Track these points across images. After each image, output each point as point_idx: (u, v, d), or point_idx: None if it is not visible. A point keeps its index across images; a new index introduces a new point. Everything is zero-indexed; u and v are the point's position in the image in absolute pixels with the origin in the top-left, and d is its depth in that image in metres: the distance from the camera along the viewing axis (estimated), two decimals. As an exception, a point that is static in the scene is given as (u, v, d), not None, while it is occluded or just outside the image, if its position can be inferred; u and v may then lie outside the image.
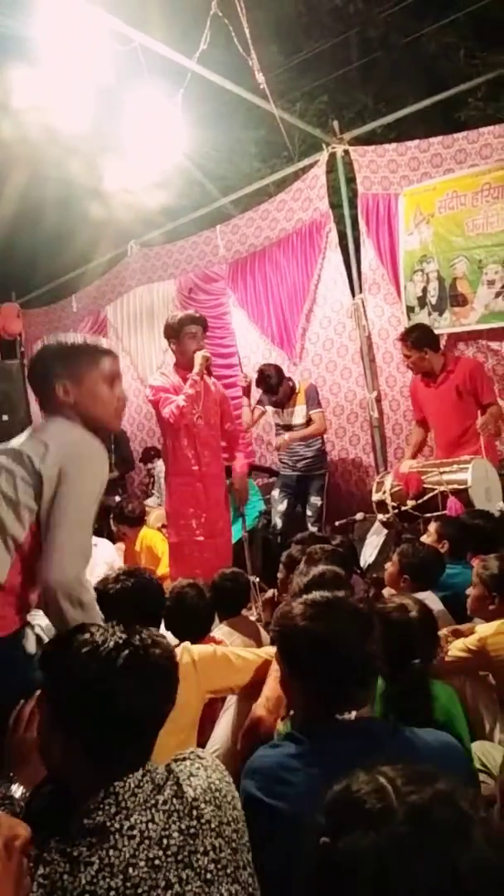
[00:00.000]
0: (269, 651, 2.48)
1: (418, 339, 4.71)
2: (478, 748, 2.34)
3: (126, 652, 1.34)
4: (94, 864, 1.16)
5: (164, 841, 1.21)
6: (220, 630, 3.12)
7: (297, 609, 1.65)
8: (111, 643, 1.35)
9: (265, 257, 6.58)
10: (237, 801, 1.36)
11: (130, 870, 1.17)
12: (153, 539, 5.22)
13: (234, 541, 4.97)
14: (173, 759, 1.40)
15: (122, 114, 4.89)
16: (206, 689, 2.27)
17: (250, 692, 2.29)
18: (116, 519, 5.54)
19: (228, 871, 1.25)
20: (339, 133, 5.89)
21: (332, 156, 5.88)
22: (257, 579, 4.64)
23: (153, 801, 1.25)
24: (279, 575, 3.65)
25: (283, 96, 6.97)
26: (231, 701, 2.49)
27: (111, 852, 1.18)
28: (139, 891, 1.16)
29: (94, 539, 5.01)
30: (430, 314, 5.38)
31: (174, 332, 4.38)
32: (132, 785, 1.26)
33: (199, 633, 2.84)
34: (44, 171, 6.55)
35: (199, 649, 2.36)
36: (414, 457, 5.00)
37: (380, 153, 5.61)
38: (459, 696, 2.46)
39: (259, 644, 3.18)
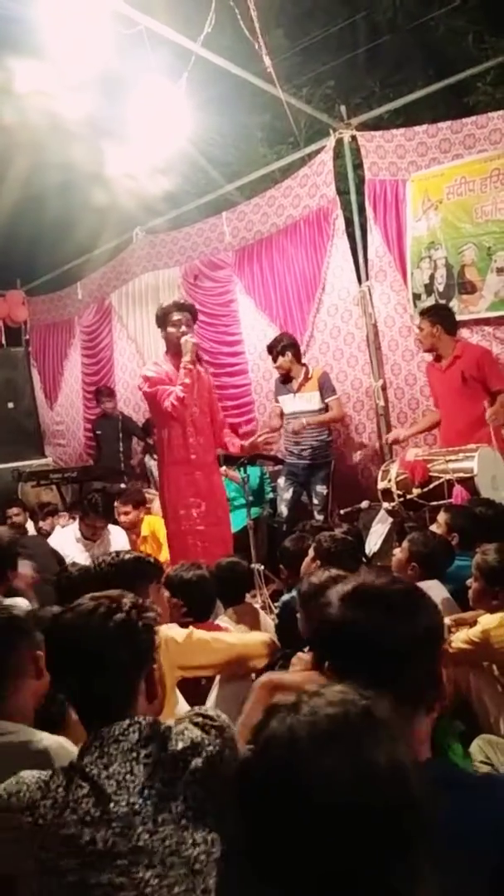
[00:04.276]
0: (256, 638, 2.51)
1: (435, 313, 4.82)
2: (482, 742, 2.33)
3: (112, 612, 1.51)
4: (85, 788, 1.34)
5: (146, 791, 1.33)
6: (222, 619, 3.13)
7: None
8: (102, 609, 1.51)
9: (272, 244, 6.53)
10: (229, 762, 1.44)
11: (111, 805, 1.31)
12: (156, 525, 5.24)
13: (238, 528, 4.99)
14: (177, 721, 1.50)
15: (126, 99, 4.85)
16: (175, 664, 2.31)
17: (230, 676, 2.39)
18: (136, 504, 5.52)
19: (207, 819, 1.35)
20: (346, 118, 5.82)
21: (339, 141, 5.82)
22: (262, 567, 4.65)
23: (134, 753, 1.37)
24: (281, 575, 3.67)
25: (289, 81, 6.87)
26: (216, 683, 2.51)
27: (94, 790, 1.33)
28: (113, 825, 1.30)
29: (109, 527, 5.12)
30: (437, 302, 5.33)
31: (161, 321, 4.42)
32: (116, 732, 1.38)
33: (200, 617, 2.84)
34: (47, 157, 6.49)
35: (173, 631, 2.42)
36: (420, 432, 5.07)
37: (387, 138, 5.55)
38: (463, 688, 2.45)
39: (259, 630, 3.19)
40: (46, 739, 1.72)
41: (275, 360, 5.70)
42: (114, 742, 1.37)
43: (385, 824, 0.83)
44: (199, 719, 1.48)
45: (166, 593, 2.68)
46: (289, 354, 5.65)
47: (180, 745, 1.40)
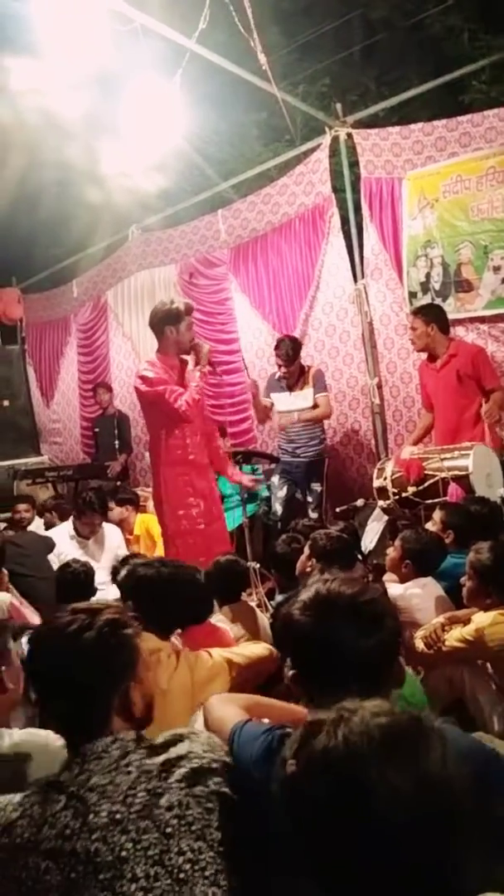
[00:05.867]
0: (259, 650, 2.48)
1: (429, 312, 4.80)
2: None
3: (83, 630, 1.46)
4: (61, 802, 1.31)
5: (129, 799, 1.31)
6: (216, 616, 3.12)
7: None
8: (75, 626, 1.47)
9: (267, 242, 6.52)
10: (219, 774, 1.41)
11: (91, 816, 1.28)
12: (150, 523, 5.24)
13: (234, 527, 4.99)
14: (161, 736, 1.47)
15: (121, 96, 4.85)
16: (199, 702, 2.22)
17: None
18: (119, 502, 5.53)
19: (193, 828, 1.32)
20: (341, 116, 5.81)
21: (335, 139, 5.80)
22: (258, 565, 4.65)
23: (115, 766, 1.35)
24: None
25: (284, 78, 6.88)
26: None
27: (73, 800, 1.31)
28: (94, 836, 1.27)
29: (105, 525, 5.12)
30: (433, 300, 5.32)
31: (176, 320, 4.27)
32: (99, 748, 1.37)
33: (198, 619, 2.84)
34: (43, 154, 6.49)
35: (201, 664, 2.37)
36: (418, 441, 5.00)
37: (383, 136, 5.54)
38: (457, 686, 2.45)
39: (256, 630, 3.18)
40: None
41: (290, 363, 5.50)
42: (95, 759, 1.36)
43: (443, 830, 0.85)
44: (185, 730, 1.48)
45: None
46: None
47: (163, 757, 1.38)
